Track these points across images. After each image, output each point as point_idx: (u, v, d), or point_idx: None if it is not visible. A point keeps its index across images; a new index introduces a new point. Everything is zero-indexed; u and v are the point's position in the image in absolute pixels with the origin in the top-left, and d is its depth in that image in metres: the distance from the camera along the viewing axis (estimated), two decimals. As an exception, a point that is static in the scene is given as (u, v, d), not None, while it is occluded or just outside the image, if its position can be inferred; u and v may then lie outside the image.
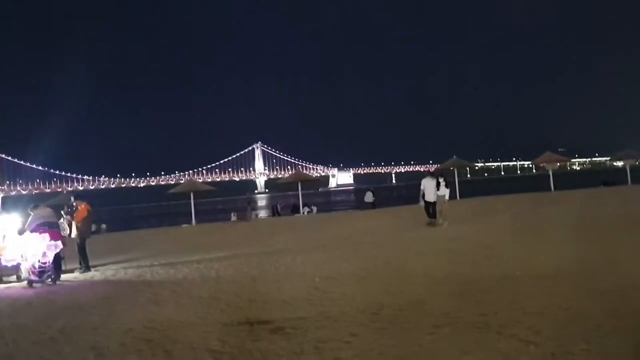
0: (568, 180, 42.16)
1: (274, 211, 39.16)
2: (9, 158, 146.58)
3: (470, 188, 38.31)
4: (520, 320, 4.99)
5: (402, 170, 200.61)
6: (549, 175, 33.11)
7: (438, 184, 15.33)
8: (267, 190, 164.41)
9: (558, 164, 39.86)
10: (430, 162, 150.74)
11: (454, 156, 35.33)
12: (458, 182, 30.76)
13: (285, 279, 8.31)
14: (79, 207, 12.09)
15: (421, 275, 7.70)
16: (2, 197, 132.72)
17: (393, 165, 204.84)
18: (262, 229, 22.13)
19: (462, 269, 8.01)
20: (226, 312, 6.22)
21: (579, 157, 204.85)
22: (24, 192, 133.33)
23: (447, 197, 15.67)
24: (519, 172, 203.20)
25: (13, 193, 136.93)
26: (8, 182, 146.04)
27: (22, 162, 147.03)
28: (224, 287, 8.04)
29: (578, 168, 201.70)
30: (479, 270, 7.75)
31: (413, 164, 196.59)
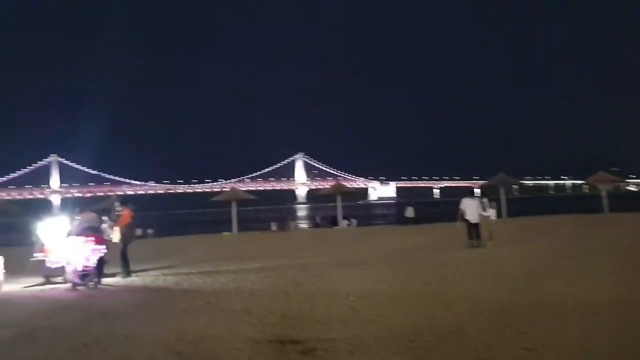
0: (622, 202, 40.23)
1: (313, 222, 39.16)
2: (68, 162, 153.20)
3: (518, 207, 37.12)
4: (570, 357, 4.62)
5: (446, 185, 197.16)
6: (603, 196, 31.67)
7: (482, 204, 14.81)
8: (307, 201, 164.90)
9: (612, 185, 38.08)
10: (477, 177, 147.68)
11: (501, 172, 34.27)
12: (504, 200, 29.87)
13: (320, 296, 8.11)
14: (122, 212, 12.32)
15: (462, 300, 7.34)
16: (61, 199, 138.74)
17: (437, 179, 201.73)
18: (300, 241, 22.06)
19: (506, 295, 7.59)
20: (257, 328, 6.08)
21: (634, 178, 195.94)
22: (79, 195, 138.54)
23: (492, 217, 15.11)
24: (569, 191, 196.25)
25: (69, 195, 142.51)
26: (65, 185, 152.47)
27: (78, 167, 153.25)
28: (257, 301, 7.93)
29: (635, 189, 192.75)
30: (524, 297, 7.33)
31: (457, 179, 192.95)
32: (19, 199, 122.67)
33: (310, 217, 52.52)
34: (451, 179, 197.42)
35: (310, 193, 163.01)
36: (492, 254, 13.06)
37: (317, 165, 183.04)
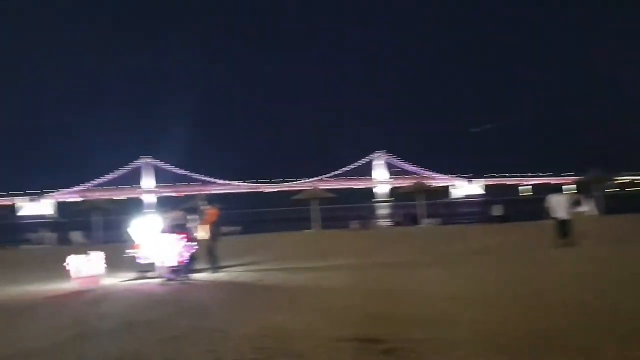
0: None
1: (394, 221, 38.77)
2: (159, 162, 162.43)
3: (613, 204, 34.58)
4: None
5: (538, 182, 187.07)
6: None
7: (573, 200, 13.99)
8: (388, 199, 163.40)
9: None
10: (571, 173, 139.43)
11: (595, 168, 32.16)
12: (599, 197, 27.97)
13: (401, 295, 7.98)
14: (209, 210, 12.83)
15: (553, 302, 6.89)
16: (152, 198, 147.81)
17: (529, 175, 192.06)
18: (381, 239, 21.90)
19: (612, 299, 7.00)
20: (338, 326, 6.06)
21: None
22: (169, 194, 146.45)
23: (589, 213, 14.23)
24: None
25: (160, 194, 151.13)
26: (159, 185, 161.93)
27: (168, 167, 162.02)
28: (338, 298, 7.93)
29: None
30: (621, 302, 6.76)
31: (550, 175, 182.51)
32: (116, 199, 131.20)
33: (391, 216, 52.04)
34: (543, 176, 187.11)
35: (391, 191, 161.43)
36: (584, 253, 12.28)
37: (398, 162, 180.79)
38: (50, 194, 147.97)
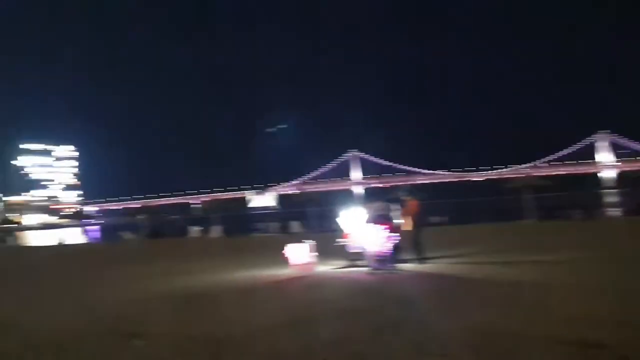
0: None
1: (625, 209, 34.19)
2: (365, 155, 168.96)
3: None
4: None
5: None
6: None
7: None
8: (617, 186, 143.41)
9: None
10: None
11: None
12: None
13: (630, 295, 6.89)
14: (409, 201, 12.81)
15: None
16: (360, 189, 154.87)
17: None
18: (609, 230, 19.38)
19: None
20: (556, 327, 5.45)
21: None
22: (376, 186, 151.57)
23: None
24: None
25: (368, 186, 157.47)
26: (366, 176, 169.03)
27: (374, 159, 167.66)
28: (556, 296, 7.19)
29: None
30: None
31: None
32: (328, 191, 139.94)
33: (621, 204, 45.87)
34: None
35: (619, 176, 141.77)
36: None
37: (627, 143, 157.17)
38: (273, 187, 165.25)
